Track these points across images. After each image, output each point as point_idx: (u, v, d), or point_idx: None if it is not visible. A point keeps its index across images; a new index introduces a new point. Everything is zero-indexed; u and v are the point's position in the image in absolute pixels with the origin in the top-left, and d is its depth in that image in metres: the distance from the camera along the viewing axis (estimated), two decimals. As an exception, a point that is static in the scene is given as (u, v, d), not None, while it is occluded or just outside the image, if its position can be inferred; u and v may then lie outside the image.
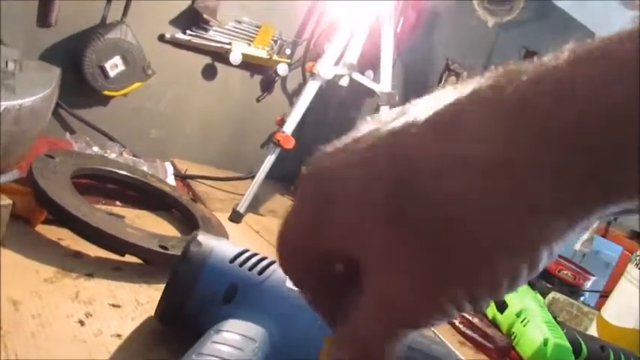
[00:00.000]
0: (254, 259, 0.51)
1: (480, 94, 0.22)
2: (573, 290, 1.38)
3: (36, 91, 0.84)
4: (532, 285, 1.07)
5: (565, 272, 1.43)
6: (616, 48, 0.20)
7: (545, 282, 1.40)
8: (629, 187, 0.19)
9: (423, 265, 0.22)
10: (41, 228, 0.72)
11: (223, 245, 0.51)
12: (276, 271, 0.52)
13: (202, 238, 0.50)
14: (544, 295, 1.13)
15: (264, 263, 0.51)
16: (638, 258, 0.95)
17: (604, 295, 1.30)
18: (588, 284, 1.44)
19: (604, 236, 1.31)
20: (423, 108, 0.23)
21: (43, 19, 1.05)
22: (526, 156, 0.20)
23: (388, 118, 0.24)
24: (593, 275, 1.43)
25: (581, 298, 1.40)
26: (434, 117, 0.22)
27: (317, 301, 0.28)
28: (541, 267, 0.22)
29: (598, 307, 1.17)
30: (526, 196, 0.20)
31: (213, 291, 0.49)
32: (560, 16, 1.82)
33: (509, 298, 0.94)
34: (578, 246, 1.26)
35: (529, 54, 1.72)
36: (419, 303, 0.23)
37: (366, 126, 0.25)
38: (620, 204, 0.20)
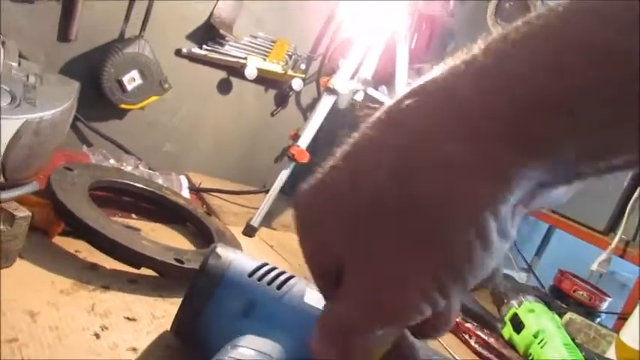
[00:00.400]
0: (273, 274, 0.50)
1: (427, 91, 0.25)
2: (589, 311, 1.36)
3: (56, 105, 0.85)
4: (549, 305, 1.05)
5: (580, 292, 1.41)
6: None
7: (560, 302, 1.38)
8: (542, 151, 0.22)
9: (389, 265, 0.24)
10: (59, 240, 0.72)
11: (242, 258, 0.51)
12: (295, 286, 0.51)
13: (221, 250, 0.50)
14: (560, 315, 1.11)
15: (282, 278, 0.51)
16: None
17: (622, 317, 1.27)
18: (604, 305, 1.42)
19: (622, 256, 1.28)
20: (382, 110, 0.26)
21: (64, 34, 1.07)
22: (451, 132, 0.23)
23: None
24: (609, 296, 1.41)
25: (597, 320, 1.38)
26: (385, 114, 0.25)
27: (316, 280, 0.30)
28: (493, 237, 0.23)
29: (616, 329, 1.15)
30: (456, 170, 0.22)
31: (231, 305, 0.48)
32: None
33: (526, 318, 0.92)
34: (595, 266, 1.24)
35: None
36: (390, 297, 0.24)
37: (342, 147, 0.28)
38: (540, 170, 0.22)
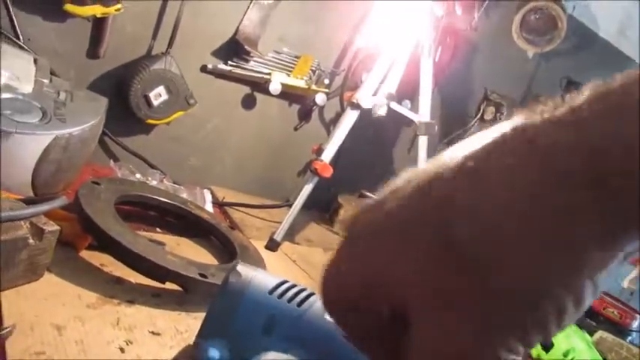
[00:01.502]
0: (293, 291, 0.50)
1: (507, 140, 0.22)
2: (620, 330, 1.32)
3: (85, 121, 0.88)
4: (578, 323, 1.02)
5: (611, 310, 1.37)
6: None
7: (590, 320, 1.34)
8: None
9: (469, 314, 0.22)
10: (85, 253, 0.73)
11: (262, 276, 0.51)
12: (316, 303, 0.51)
13: (241, 268, 0.50)
14: (590, 334, 1.08)
15: (303, 295, 0.51)
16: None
17: (655, 336, 1.23)
18: (635, 324, 1.37)
19: (653, 273, 1.25)
20: (455, 154, 0.24)
21: (94, 51, 1.10)
22: (557, 196, 0.21)
23: (425, 166, 0.25)
24: (640, 314, 1.37)
25: (629, 339, 1.34)
26: (465, 163, 0.23)
27: (369, 350, 0.27)
28: (587, 302, 0.22)
29: (649, 348, 1.11)
30: (563, 233, 0.21)
31: (252, 322, 0.48)
32: (603, 46, 1.79)
33: (556, 337, 0.90)
34: (625, 283, 1.21)
35: (571, 84, 1.68)
36: (469, 352, 0.23)
37: (404, 175, 0.25)
38: None
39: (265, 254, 0.99)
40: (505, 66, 1.68)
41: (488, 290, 0.22)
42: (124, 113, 1.14)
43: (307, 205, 1.14)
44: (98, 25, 1.08)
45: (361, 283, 0.25)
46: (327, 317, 0.49)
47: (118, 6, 1.04)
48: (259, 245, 1.03)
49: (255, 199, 1.32)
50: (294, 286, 0.52)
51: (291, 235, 1.16)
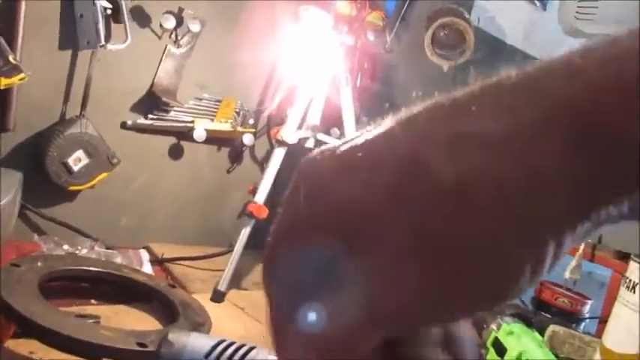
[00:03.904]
0: (230, 350, 0.48)
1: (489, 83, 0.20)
2: (572, 319, 1.36)
3: (-4, 200, 0.83)
4: (529, 321, 1.04)
5: (562, 300, 1.41)
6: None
7: (543, 313, 1.37)
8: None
9: (422, 260, 0.19)
10: (11, 343, 0.68)
11: (197, 340, 0.49)
12: (257, 357, 0.49)
13: (173, 336, 0.48)
14: (543, 328, 1.10)
15: (242, 352, 0.49)
16: (628, 280, 0.94)
17: (604, 321, 1.28)
18: (586, 309, 1.42)
19: (591, 260, 1.30)
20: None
21: (2, 124, 1.05)
22: (537, 135, 0.19)
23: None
24: (589, 299, 1.41)
25: (582, 325, 1.38)
26: (443, 100, 0.21)
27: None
28: (546, 266, 0.19)
29: (599, 334, 1.15)
30: (538, 178, 0.18)
31: (191, 392, 0.46)
32: (513, 51, 1.88)
33: (507, 341, 0.91)
34: (567, 274, 1.25)
35: (488, 91, 1.75)
36: (411, 304, 0.19)
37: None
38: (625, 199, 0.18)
39: (211, 307, 0.96)
40: (425, 81, 1.74)
41: (447, 236, 0.19)
42: (44, 183, 1.08)
43: (253, 246, 1.11)
44: (3, 96, 1.03)
45: (322, 211, 0.20)
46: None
47: (22, 75, 0.99)
48: (205, 298, 0.99)
49: (197, 249, 1.28)
50: (231, 344, 0.50)
51: (237, 281, 1.13)
